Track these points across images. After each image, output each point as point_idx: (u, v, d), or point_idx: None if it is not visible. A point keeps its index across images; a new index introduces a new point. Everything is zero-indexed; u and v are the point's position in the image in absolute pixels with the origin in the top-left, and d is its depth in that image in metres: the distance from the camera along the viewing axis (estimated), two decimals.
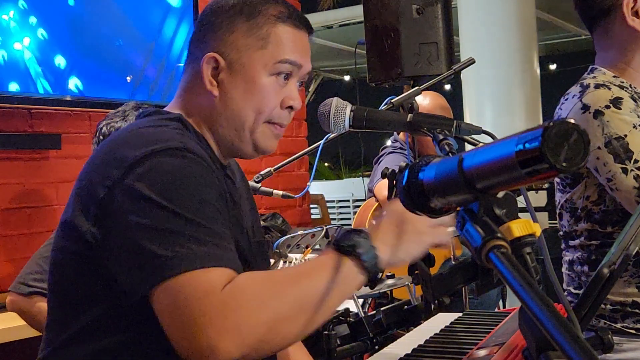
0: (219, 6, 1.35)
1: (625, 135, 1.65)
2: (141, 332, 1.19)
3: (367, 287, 1.19)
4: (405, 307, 1.51)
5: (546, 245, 0.96)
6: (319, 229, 2.38)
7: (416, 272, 1.16)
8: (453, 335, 1.55)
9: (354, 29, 8.97)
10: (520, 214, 0.85)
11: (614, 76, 1.78)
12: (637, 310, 1.72)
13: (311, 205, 4.83)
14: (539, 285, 0.73)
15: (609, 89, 1.71)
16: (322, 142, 2.13)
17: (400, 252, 1.13)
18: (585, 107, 1.69)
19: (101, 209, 1.14)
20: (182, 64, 3.45)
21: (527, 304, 0.68)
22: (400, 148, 3.42)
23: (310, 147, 2.28)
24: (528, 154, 0.71)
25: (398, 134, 3.48)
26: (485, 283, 0.91)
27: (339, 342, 1.46)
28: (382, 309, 1.50)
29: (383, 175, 1.45)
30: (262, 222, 2.28)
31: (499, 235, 0.78)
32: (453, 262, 2.73)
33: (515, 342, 1.34)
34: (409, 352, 1.43)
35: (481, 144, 1.09)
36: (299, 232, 2.38)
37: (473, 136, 1.59)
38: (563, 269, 1.89)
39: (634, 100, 1.71)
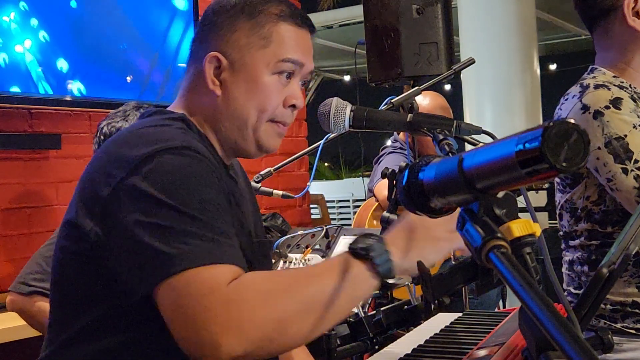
0: (220, 6, 1.35)
1: (625, 136, 1.65)
2: (143, 331, 1.19)
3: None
4: (405, 307, 1.51)
5: (546, 245, 0.96)
6: (319, 229, 2.38)
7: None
8: (453, 335, 1.55)
9: (354, 29, 8.98)
10: (520, 214, 0.85)
11: (614, 76, 1.79)
12: (637, 310, 1.72)
13: (311, 205, 4.83)
14: (539, 285, 0.73)
15: (609, 89, 1.71)
16: (322, 142, 2.13)
17: (415, 257, 1.09)
18: (585, 108, 1.69)
19: (105, 208, 1.14)
20: (183, 64, 3.46)
21: (527, 304, 0.68)
22: (400, 148, 3.42)
23: (310, 147, 2.28)
24: (528, 154, 0.71)
25: (398, 134, 3.48)
26: (485, 283, 0.91)
27: (339, 342, 1.46)
28: (382, 309, 1.50)
29: (383, 175, 1.45)
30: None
31: (499, 235, 0.78)
32: (453, 262, 2.73)
33: (515, 342, 1.34)
34: (409, 352, 1.43)
35: (481, 144, 1.09)
36: (299, 232, 2.38)
37: (473, 136, 1.59)
38: (563, 269, 1.89)
39: (634, 100, 1.71)
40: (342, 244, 2.27)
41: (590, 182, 1.75)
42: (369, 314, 1.51)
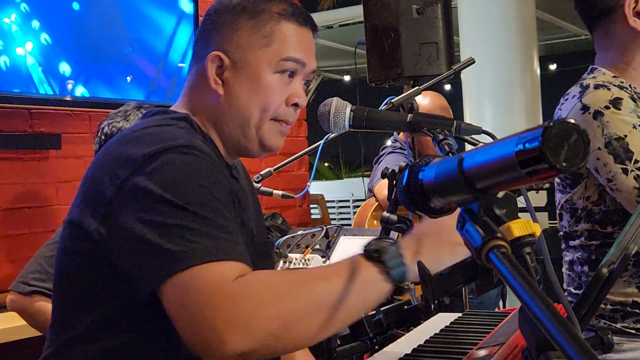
0: (222, 5, 1.35)
1: (625, 136, 1.65)
2: (145, 331, 1.19)
3: None
4: (405, 307, 1.51)
5: (546, 245, 0.96)
6: (319, 229, 2.38)
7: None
8: (453, 335, 1.55)
9: (354, 29, 8.97)
10: (520, 214, 0.85)
11: (614, 76, 1.79)
12: (637, 310, 1.72)
13: (311, 205, 4.83)
14: (539, 285, 0.73)
15: (609, 89, 1.71)
16: (322, 142, 2.13)
17: (432, 262, 1.03)
18: (585, 108, 1.69)
19: (109, 208, 1.14)
20: (184, 64, 3.46)
21: (527, 304, 0.68)
22: (400, 148, 3.42)
23: (310, 147, 2.28)
24: (528, 154, 0.71)
25: (398, 134, 3.48)
26: (485, 283, 0.91)
27: (339, 342, 1.46)
28: (382, 309, 1.50)
29: (383, 175, 1.45)
30: None
31: (499, 235, 0.78)
32: None
33: (515, 342, 1.34)
34: (409, 352, 1.43)
35: (481, 144, 1.09)
36: (299, 232, 2.38)
37: (473, 136, 1.59)
38: (563, 269, 1.89)
39: (634, 100, 1.71)
40: (342, 244, 2.27)
41: (590, 183, 1.75)
42: (369, 314, 1.51)
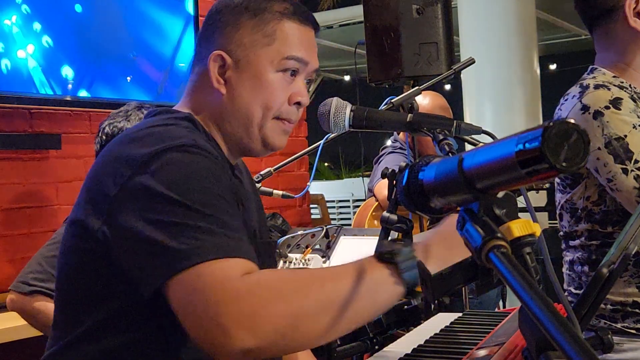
0: (224, 5, 1.35)
1: (625, 136, 1.65)
2: (147, 332, 1.19)
3: None
4: (405, 307, 1.51)
5: (546, 245, 0.96)
6: (319, 229, 2.38)
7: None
8: (453, 335, 1.55)
9: (354, 29, 8.97)
10: (520, 214, 0.85)
11: (614, 76, 1.79)
12: (637, 310, 1.72)
13: (311, 205, 4.83)
14: (539, 285, 0.73)
15: (609, 89, 1.71)
16: (322, 142, 2.13)
17: (445, 264, 1.01)
18: (585, 108, 1.69)
19: (113, 207, 1.13)
20: (184, 64, 3.45)
21: (527, 304, 0.68)
22: (400, 148, 3.42)
23: (310, 147, 2.29)
24: (528, 154, 0.71)
25: (398, 134, 3.48)
26: (485, 283, 0.91)
27: (339, 342, 1.46)
28: None
29: (383, 175, 1.45)
30: None
31: (499, 235, 0.78)
32: None
33: (515, 342, 1.34)
34: (409, 352, 1.43)
35: (481, 144, 1.09)
36: (299, 232, 2.39)
37: (473, 136, 1.59)
38: (563, 269, 1.89)
39: (634, 100, 1.71)
40: (342, 244, 2.27)
41: (590, 183, 1.75)
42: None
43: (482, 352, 1.34)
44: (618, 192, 1.66)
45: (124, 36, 3.22)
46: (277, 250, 2.21)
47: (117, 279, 1.17)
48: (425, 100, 3.27)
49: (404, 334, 1.62)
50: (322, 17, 9.18)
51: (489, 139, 1.40)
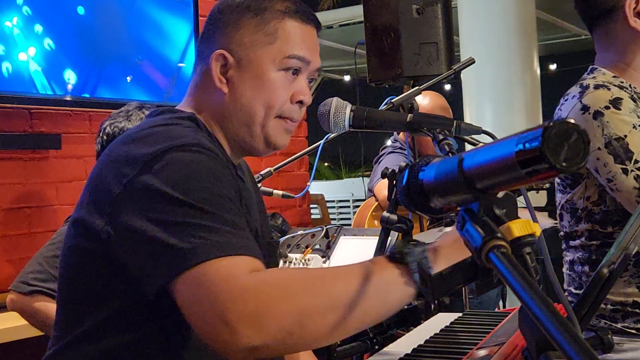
0: (226, 4, 1.35)
1: (625, 136, 1.65)
2: (148, 332, 1.19)
3: None
4: (405, 307, 1.51)
5: (546, 245, 0.96)
6: (319, 229, 2.38)
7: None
8: (453, 335, 1.55)
9: (354, 29, 8.98)
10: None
11: (614, 76, 1.78)
12: (637, 310, 1.72)
13: (311, 205, 4.83)
14: (539, 285, 0.73)
15: (609, 89, 1.71)
16: (322, 142, 2.13)
17: None
18: (585, 108, 1.69)
19: (116, 207, 1.13)
20: (183, 64, 3.44)
21: (527, 304, 0.68)
22: (400, 148, 3.43)
23: (310, 147, 2.29)
24: (528, 154, 0.71)
25: (398, 134, 3.48)
26: (485, 283, 0.91)
27: (338, 342, 1.46)
28: None
29: (383, 175, 1.45)
30: None
31: (499, 235, 0.78)
32: None
33: (515, 342, 1.34)
34: (409, 352, 1.43)
35: (481, 144, 1.09)
36: (299, 232, 2.39)
37: (473, 136, 1.59)
38: (564, 269, 1.89)
39: (634, 100, 1.71)
40: (342, 244, 2.27)
41: (590, 183, 1.75)
42: None
43: (482, 352, 1.34)
44: (618, 192, 1.66)
45: (128, 40, 3.15)
46: (278, 250, 2.21)
47: (118, 278, 1.17)
48: (425, 100, 3.27)
49: (404, 334, 1.62)
50: (322, 17, 9.18)
51: (489, 139, 1.40)
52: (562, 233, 1.87)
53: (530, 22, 6.54)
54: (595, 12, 1.81)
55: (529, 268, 0.79)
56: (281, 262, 2.22)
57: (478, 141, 1.61)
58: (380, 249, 1.46)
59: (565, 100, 1.78)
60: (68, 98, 3.04)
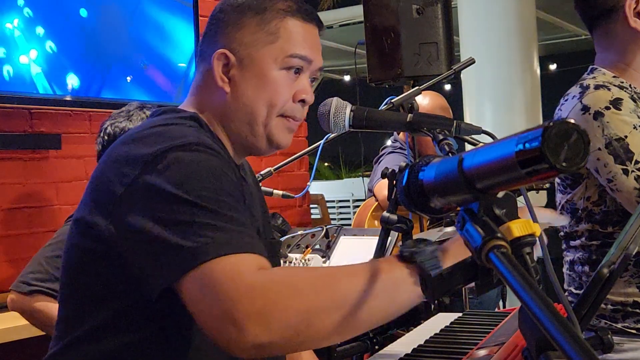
0: (228, 4, 1.35)
1: (626, 136, 1.65)
2: (152, 332, 1.18)
3: None
4: None
5: (546, 245, 0.96)
6: (319, 229, 2.38)
7: None
8: (453, 335, 1.55)
9: (354, 29, 8.98)
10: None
11: (614, 76, 1.78)
12: (637, 310, 1.72)
13: (311, 205, 4.83)
14: (539, 285, 0.73)
15: (609, 89, 1.71)
16: (322, 142, 2.13)
17: None
18: (585, 108, 1.69)
19: (120, 207, 1.13)
20: (183, 64, 3.44)
21: (527, 304, 0.68)
22: (400, 148, 3.43)
23: (310, 147, 2.29)
24: (528, 154, 0.71)
25: (398, 134, 3.48)
26: (485, 283, 0.91)
27: (338, 342, 1.46)
28: None
29: (383, 175, 1.46)
30: None
31: (499, 235, 0.78)
32: None
33: (515, 342, 1.34)
34: (409, 352, 1.43)
35: (481, 144, 1.09)
36: (299, 232, 2.39)
37: (473, 136, 1.59)
38: (564, 269, 1.89)
39: (634, 100, 1.71)
40: (342, 244, 2.27)
41: (590, 183, 1.75)
42: None
43: (482, 352, 1.34)
44: (618, 192, 1.66)
45: (132, 43, 3.09)
46: (280, 250, 2.21)
47: (118, 278, 1.17)
48: (425, 100, 3.27)
49: (404, 334, 1.62)
50: (322, 17, 9.07)
51: (489, 139, 1.40)
52: (562, 233, 1.87)
53: (530, 22, 6.54)
54: (595, 12, 1.81)
55: (529, 268, 0.79)
56: (281, 262, 2.22)
57: (478, 141, 1.61)
58: (380, 249, 1.46)
59: (566, 100, 1.78)
60: (68, 98, 3.04)
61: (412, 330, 1.65)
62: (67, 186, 3.17)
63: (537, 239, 0.82)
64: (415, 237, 1.25)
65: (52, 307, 2.19)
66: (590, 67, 1.85)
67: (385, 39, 2.66)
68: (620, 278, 1.71)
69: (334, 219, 7.49)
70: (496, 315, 1.73)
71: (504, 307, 3.71)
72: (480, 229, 0.79)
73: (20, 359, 2.60)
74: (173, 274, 1.06)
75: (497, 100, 6.36)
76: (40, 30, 2.77)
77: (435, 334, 1.56)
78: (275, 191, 2.23)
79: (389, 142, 3.56)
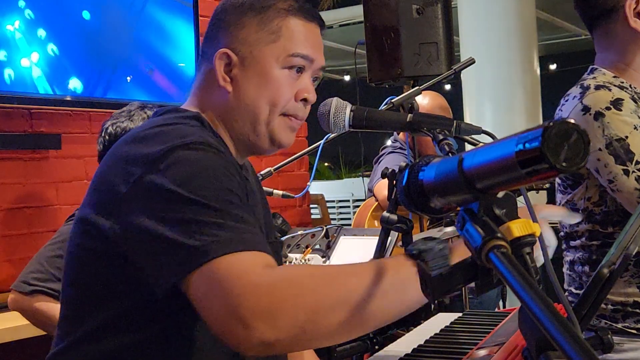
0: (229, 3, 1.35)
1: (626, 137, 1.65)
2: (152, 333, 1.18)
3: None
4: None
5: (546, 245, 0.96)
6: (319, 229, 2.38)
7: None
8: (453, 335, 1.55)
9: (354, 29, 8.98)
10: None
11: (614, 76, 1.78)
12: (637, 310, 1.72)
13: (311, 205, 4.83)
14: (539, 285, 0.73)
15: (610, 90, 1.71)
16: (322, 142, 2.13)
17: None
18: (586, 109, 1.69)
19: (123, 206, 1.13)
20: (183, 64, 3.43)
21: (527, 304, 0.68)
22: (400, 148, 3.43)
23: (310, 147, 2.29)
24: (528, 154, 0.71)
25: (398, 134, 3.48)
26: (485, 283, 0.91)
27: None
28: None
29: (383, 175, 1.45)
30: None
31: (499, 235, 0.78)
32: None
33: (515, 342, 1.34)
34: (409, 352, 1.43)
35: (481, 144, 1.09)
36: (299, 232, 2.39)
37: (473, 136, 1.59)
38: (564, 269, 1.89)
39: (634, 101, 1.71)
40: (342, 244, 2.27)
41: (591, 183, 1.75)
42: None
43: (482, 352, 1.34)
44: (619, 193, 1.66)
45: (135, 45, 3.04)
46: (282, 250, 2.21)
47: (119, 278, 1.17)
48: (425, 100, 3.27)
49: (404, 334, 1.62)
50: (323, 17, 9.16)
51: (489, 139, 1.40)
52: (562, 233, 1.87)
53: (530, 22, 6.55)
54: (595, 12, 1.81)
55: (529, 268, 0.79)
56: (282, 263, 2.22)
57: (478, 141, 1.61)
58: (380, 249, 1.46)
59: (566, 100, 1.78)
60: (68, 98, 3.03)
61: (412, 330, 1.65)
62: (67, 186, 3.17)
63: (537, 238, 0.82)
64: (419, 236, 1.24)
65: (52, 308, 2.19)
66: (591, 67, 1.85)
67: (385, 39, 2.66)
68: (621, 278, 1.71)
69: (334, 219, 7.49)
70: (496, 315, 1.73)
71: (504, 307, 3.71)
72: (480, 229, 0.79)
73: (20, 359, 2.60)
74: (178, 273, 1.06)
75: (497, 100, 6.37)
76: (42, 32, 2.73)
77: (435, 334, 1.56)
78: (275, 191, 2.23)
79: (389, 142, 3.56)
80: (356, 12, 8.71)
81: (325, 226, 2.38)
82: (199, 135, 1.19)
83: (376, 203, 3.27)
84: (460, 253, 1.01)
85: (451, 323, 1.65)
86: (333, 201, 7.71)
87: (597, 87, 1.72)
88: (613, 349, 1.13)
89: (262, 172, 2.19)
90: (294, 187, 4.15)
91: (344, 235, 2.30)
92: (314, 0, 1.40)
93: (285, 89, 1.32)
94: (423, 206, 0.91)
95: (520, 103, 6.40)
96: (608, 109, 1.67)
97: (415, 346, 1.46)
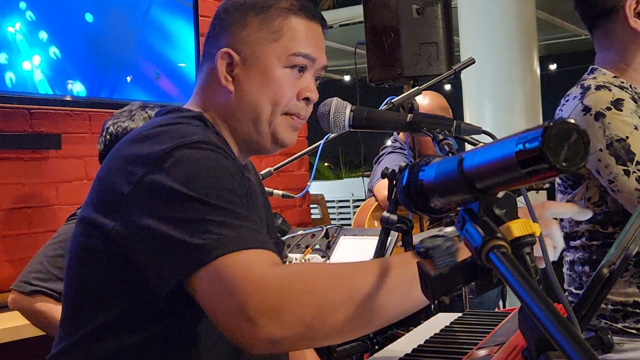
0: (231, 3, 1.36)
1: (627, 137, 1.65)
2: (157, 332, 1.18)
3: None
4: None
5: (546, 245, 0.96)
6: (319, 229, 2.38)
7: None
8: (453, 335, 1.55)
9: (354, 29, 8.98)
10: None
11: (614, 76, 1.78)
12: (638, 310, 1.72)
13: (311, 205, 4.83)
14: (539, 285, 0.73)
15: (610, 90, 1.71)
16: (322, 142, 2.13)
17: None
18: (587, 109, 1.69)
19: (127, 206, 1.13)
20: (183, 64, 3.43)
21: (527, 304, 0.68)
22: (400, 148, 3.43)
23: (310, 147, 2.29)
24: (528, 154, 0.71)
25: (398, 134, 3.48)
26: (485, 283, 0.91)
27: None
28: None
29: (383, 175, 1.46)
30: None
31: (499, 235, 0.78)
32: None
33: (515, 342, 1.34)
34: (409, 352, 1.43)
35: (481, 144, 1.09)
36: (299, 232, 2.39)
37: (473, 136, 1.59)
38: (564, 269, 1.89)
39: (635, 101, 1.71)
40: (342, 244, 2.27)
41: (591, 184, 1.75)
42: None
43: (482, 352, 1.34)
44: (619, 193, 1.66)
45: (138, 47, 3.00)
46: (283, 250, 2.21)
47: (120, 279, 1.17)
48: (425, 100, 3.28)
49: (404, 334, 1.62)
50: None
51: (489, 139, 1.40)
52: (562, 233, 1.87)
53: (530, 22, 6.54)
54: (595, 12, 1.81)
55: (529, 268, 0.79)
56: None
57: (478, 141, 1.61)
58: (380, 249, 1.46)
59: (566, 101, 1.78)
60: (68, 98, 3.03)
61: (412, 330, 1.65)
62: (67, 186, 3.17)
63: (537, 238, 0.82)
64: (419, 236, 1.24)
65: (52, 308, 2.19)
66: (591, 67, 1.85)
67: (385, 39, 2.66)
68: (621, 278, 1.71)
69: (334, 219, 7.49)
70: (496, 315, 1.73)
71: (504, 307, 3.71)
72: (480, 229, 0.79)
73: (20, 359, 2.60)
74: (183, 272, 1.06)
75: (497, 100, 6.36)
76: (43, 35, 2.69)
77: (435, 334, 1.56)
78: (275, 191, 2.23)
79: (389, 142, 3.56)
80: (356, 12, 8.71)
81: (325, 226, 2.38)
82: (202, 134, 1.19)
83: (376, 203, 3.27)
84: (468, 251, 1.01)
85: (451, 323, 1.65)
86: (333, 201, 7.70)
87: (598, 88, 1.72)
88: (613, 349, 1.13)
89: (262, 172, 2.19)
90: (294, 187, 4.15)
91: (344, 235, 2.30)
92: (313, 0, 1.40)
93: (287, 88, 1.32)
94: (423, 206, 0.91)
95: (520, 103, 6.39)
96: (609, 109, 1.67)
97: (415, 346, 1.46)
